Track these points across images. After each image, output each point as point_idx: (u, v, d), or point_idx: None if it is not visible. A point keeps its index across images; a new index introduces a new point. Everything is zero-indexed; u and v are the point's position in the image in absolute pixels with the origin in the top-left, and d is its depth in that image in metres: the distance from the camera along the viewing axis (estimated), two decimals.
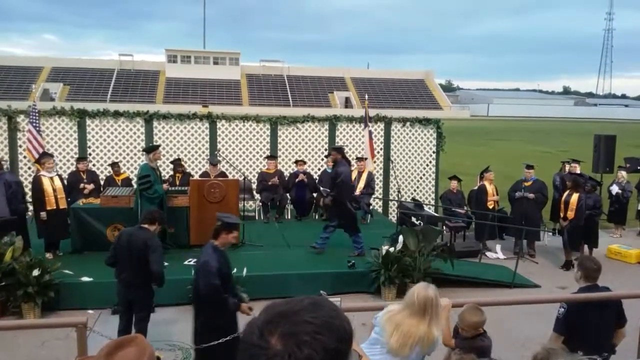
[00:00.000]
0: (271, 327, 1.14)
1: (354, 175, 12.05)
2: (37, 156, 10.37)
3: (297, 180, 11.86)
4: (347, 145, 13.43)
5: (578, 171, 11.76)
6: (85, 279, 7.79)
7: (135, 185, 9.61)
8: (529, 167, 11.24)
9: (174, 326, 7.14)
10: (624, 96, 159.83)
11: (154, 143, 11.82)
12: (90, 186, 10.71)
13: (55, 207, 8.80)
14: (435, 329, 3.56)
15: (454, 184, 12.12)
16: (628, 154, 17.00)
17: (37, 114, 11.18)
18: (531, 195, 10.80)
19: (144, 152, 9.51)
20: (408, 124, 13.44)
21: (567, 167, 12.75)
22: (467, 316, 4.24)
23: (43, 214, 8.71)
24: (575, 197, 10.08)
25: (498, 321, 7.56)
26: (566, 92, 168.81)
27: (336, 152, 9.41)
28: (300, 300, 1.22)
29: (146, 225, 6.10)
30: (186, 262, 8.64)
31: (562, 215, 10.33)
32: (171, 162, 11.76)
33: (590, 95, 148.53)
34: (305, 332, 1.13)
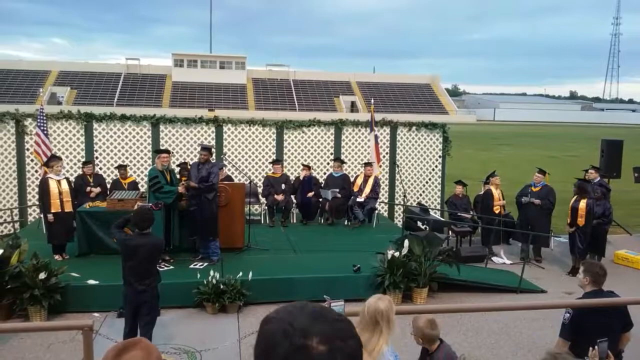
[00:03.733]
0: (310, 330, 1.19)
1: (360, 180, 12.08)
2: (45, 159, 10.43)
3: (308, 194, 11.90)
4: (352, 150, 13.46)
5: (597, 178, 11.63)
6: (92, 282, 7.81)
7: (142, 189, 9.65)
8: (541, 171, 11.13)
9: (179, 329, 7.14)
10: (631, 101, 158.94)
11: (161, 147, 11.85)
12: (97, 189, 10.74)
13: (60, 210, 8.88)
14: (383, 341, 3.50)
15: (459, 188, 12.09)
16: (635, 159, 16.93)
17: (44, 118, 11.24)
18: (537, 202, 10.75)
19: (155, 154, 9.60)
20: (414, 128, 13.43)
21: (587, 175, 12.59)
22: (424, 328, 4.16)
23: (50, 216, 8.79)
24: (583, 203, 10.01)
25: (504, 326, 7.54)
26: (573, 96, 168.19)
27: (207, 152, 9.07)
28: (305, 304, 1.28)
29: (146, 231, 6.13)
30: (192, 266, 8.66)
31: (568, 221, 10.26)
32: (177, 166, 11.78)
33: (597, 100, 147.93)
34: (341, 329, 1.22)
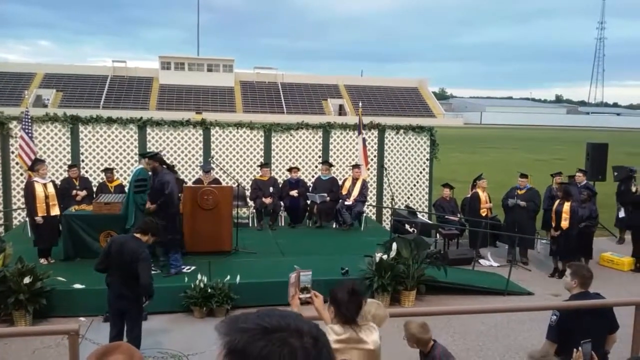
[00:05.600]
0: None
1: (349, 183, 12.08)
2: (29, 163, 10.32)
3: (290, 192, 11.85)
4: (340, 152, 13.47)
5: (584, 181, 11.70)
6: (77, 286, 7.73)
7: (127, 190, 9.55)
8: (523, 175, 11.25)
9: (166, 334, 7.10)
10: (615, 104, 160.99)
11: (148, 150, 11.79)
12: (83, 193, 10.66)
13: (46, 214, 8.78)
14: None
15: (446, 191, 12.14)
16: (620, 161, 17.09)
17: (29, 121, 11.14)
18: (523, 203, 10.83)
19: (141, 157, 9.40)
20: (402, 131, 13.47)
21: (559, 179, 12.65)
22: (417, 333, 4.23)
23: (38, 219, 8.70)
24: (567, 205, 10.07)
25: (492, 328, 7.57)
26: (559, 100, 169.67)
27: (153, 161, 8.44)
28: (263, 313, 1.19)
29: (138, 235, 6.06)
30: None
31: (553, 224, 10.30)
32: None
33: (582, 103, 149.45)
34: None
